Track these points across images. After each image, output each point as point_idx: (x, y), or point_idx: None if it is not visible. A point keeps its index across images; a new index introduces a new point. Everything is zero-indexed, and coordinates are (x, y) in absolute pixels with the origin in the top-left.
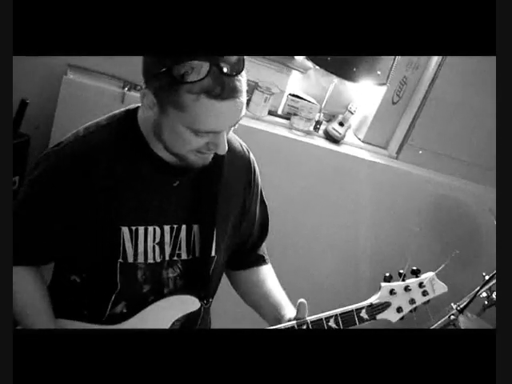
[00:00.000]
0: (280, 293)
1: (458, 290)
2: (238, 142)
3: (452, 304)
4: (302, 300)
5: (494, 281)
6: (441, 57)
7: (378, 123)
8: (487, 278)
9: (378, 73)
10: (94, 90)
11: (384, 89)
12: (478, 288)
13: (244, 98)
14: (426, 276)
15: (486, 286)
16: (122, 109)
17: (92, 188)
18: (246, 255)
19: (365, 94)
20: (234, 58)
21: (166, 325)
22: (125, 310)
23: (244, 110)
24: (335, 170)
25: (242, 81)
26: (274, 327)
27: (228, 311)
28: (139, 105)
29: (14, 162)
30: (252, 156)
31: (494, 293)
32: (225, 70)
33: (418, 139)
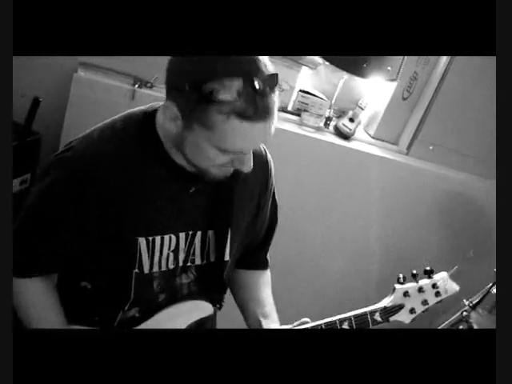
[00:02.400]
0: (271, 304)
1: (470, 286)
2: None
3: (464, 300)
4: (306, 319)
5: None
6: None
7: (389, 119)
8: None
9: (389, 68)
10: (105, 88)
11: (394, 84)
12: (491, 284)
13: (276, 118)
14: (440, 277)
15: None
16: (138, 109)
17: (107, 196)
18: (250, 256)
19: (375, 89)
20: (267, 72)
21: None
22: (137, 315)
23: (273, 130)
24: (345, 166)
25: (275, 99)
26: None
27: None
28: (157, 106)
29: (26, 160)
30: (269, 156)
31: None
32: (258, 87)
33: (428, 135)
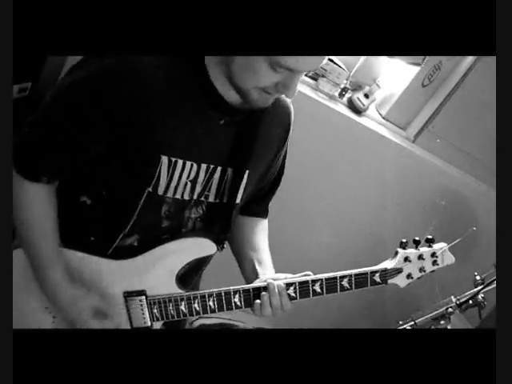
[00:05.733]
0: (267, 252)
1: (458, 284)
2: None
3: (452, 297)
4: (309, 272)
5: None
6: None
7: (403, 103)
8: (478, 277)
9: None
10: None
11: (417, 69)
12: (481, 287)
13: None
14: (440, 247)
15: (488, 287)
16: None
17: (141, 105)
18: (252, 203)
19: (396, 70)
20: None
21: (177, 267)
22: (135, 244)
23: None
24: (351, 141)
25: None
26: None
27: None
28: None
29: (30, 68)
30: (292, 108)
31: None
32: None
33: (438, 127)
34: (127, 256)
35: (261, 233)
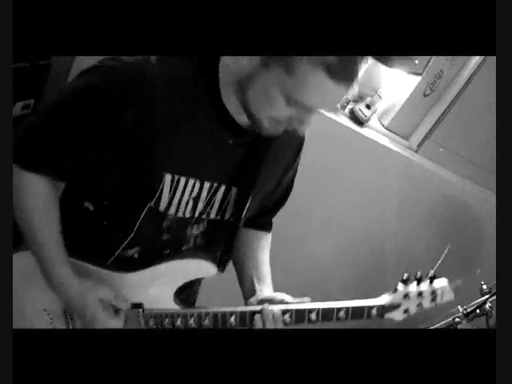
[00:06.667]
0: (267, 268)
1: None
2: None
3: (459, 307)
4: (307, 298)
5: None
6: (482, 57)
7: (405, 113)
8: (484, 286)
9: (416, 62)
10: None
11: (418, 79)
12: (488, 296)
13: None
14: (440, 286)
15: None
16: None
17: (148, 119)
18: (258, 216)
19: (397, 80)
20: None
21: (176, 286)
22: (136, 256)
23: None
24: (354, 152)
25: (361, 67)
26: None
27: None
28: None
29: (33, 84)
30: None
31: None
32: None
33: (441, 136)
34: (127, 267)
35: (263, 248)
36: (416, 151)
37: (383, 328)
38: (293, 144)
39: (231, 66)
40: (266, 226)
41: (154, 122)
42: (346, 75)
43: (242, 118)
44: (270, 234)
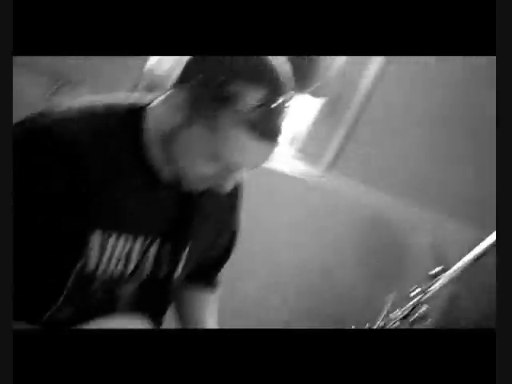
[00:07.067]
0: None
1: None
2: None
3: (398, 309)
4: None
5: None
6: (379, 66)
7: (314, 134)
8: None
9: (317, 84)
10: None
11: (320, 100)
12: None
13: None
14: None
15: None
16: (121, 103)
17: (74, 177)
18: (200, 273)
19: (301, 104)
20: (289, 89)
21: None
22: (70, 315)
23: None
24: (267, 182)
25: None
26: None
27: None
28: (143, 104)
29: None
30: (242, 181)
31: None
32: (278, 104)
33: (353, 152)
34: (62, 326)
35: (206, 308)
36: (330, 171)
37: (383, 328)
38: (225, 198)
39: (155, 120)
40: (210, 284)
41: (80, 179)
42: (268, 132)
43: (167, 173)
44: (216, 294)
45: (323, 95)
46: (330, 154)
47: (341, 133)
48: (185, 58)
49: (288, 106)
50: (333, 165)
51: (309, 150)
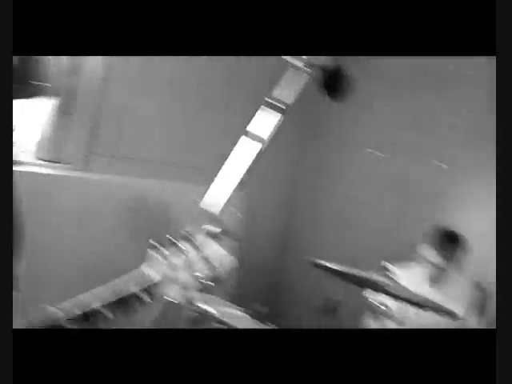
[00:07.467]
0: None
1: None
2: None
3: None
4: None
5: None
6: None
7: (52, 137)
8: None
9: (33, 83)
10: None
11: (53, 101)
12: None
13: None
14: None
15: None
16: None
17: None
18: None
19: (30, 108)
20: None
21: None
22: None
23: None
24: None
25: None
26: None
27: None
28: None
29: None
30: None
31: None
32: None
33: (102, 147)
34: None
35: None
36: (85, 169)
37: (383, 328)
38: None
39: None
40: None
41: None
42: None
43: None
44: None
45: (55, 95)
46: (79, 153)
47: (85, 130)
48: None
49: None
50: (86, 163)
51: (49, 154)
